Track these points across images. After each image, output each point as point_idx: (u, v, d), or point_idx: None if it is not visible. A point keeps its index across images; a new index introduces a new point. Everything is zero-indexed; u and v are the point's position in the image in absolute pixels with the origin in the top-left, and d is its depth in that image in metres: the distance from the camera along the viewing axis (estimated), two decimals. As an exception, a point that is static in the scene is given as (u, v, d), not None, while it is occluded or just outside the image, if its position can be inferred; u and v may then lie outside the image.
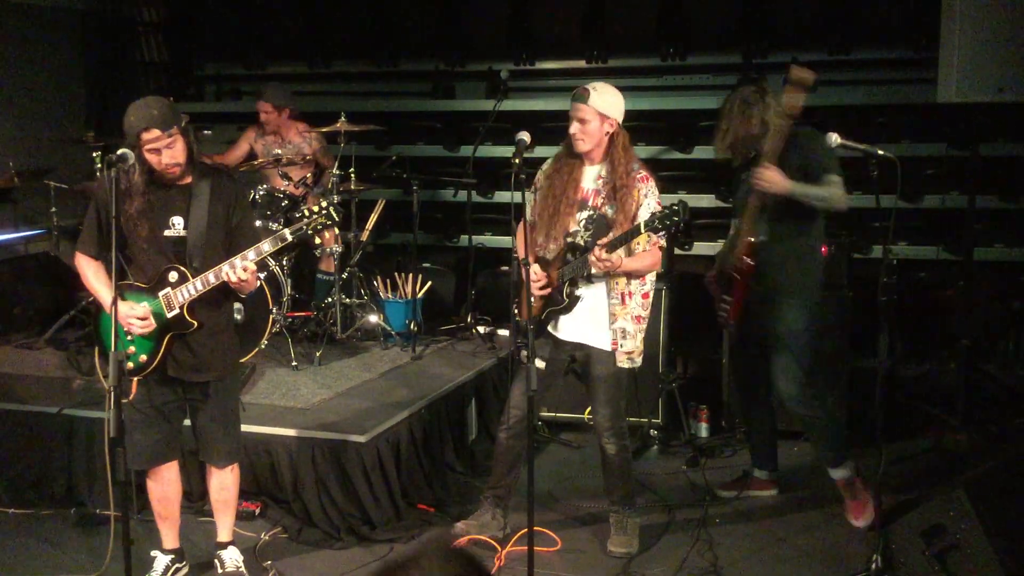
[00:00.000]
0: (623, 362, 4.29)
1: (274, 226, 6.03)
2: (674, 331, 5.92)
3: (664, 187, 7.04)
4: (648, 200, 4.17)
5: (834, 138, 3.93)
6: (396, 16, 8.22)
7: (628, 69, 7.65)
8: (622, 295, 4.23)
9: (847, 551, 4.39)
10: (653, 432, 5.83)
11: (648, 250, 4.17)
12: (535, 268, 4.25)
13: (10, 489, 5.10)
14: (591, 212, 4.24)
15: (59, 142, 7.30)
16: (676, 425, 5.86)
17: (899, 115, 6.84)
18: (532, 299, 4.21)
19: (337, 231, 6.32)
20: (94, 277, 3.90)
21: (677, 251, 6.76)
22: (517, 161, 3.88)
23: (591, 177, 4.27)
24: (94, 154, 6.42)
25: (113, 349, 3.36)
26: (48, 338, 6.37)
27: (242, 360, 5.77)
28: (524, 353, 4.27)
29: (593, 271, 4.16)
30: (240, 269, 3.71)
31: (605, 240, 4.05)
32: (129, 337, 3.83)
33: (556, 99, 7.65)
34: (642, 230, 3.93)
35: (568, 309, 4.27)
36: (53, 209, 6.98)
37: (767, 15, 7.32)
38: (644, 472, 5.40)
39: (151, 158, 3.71)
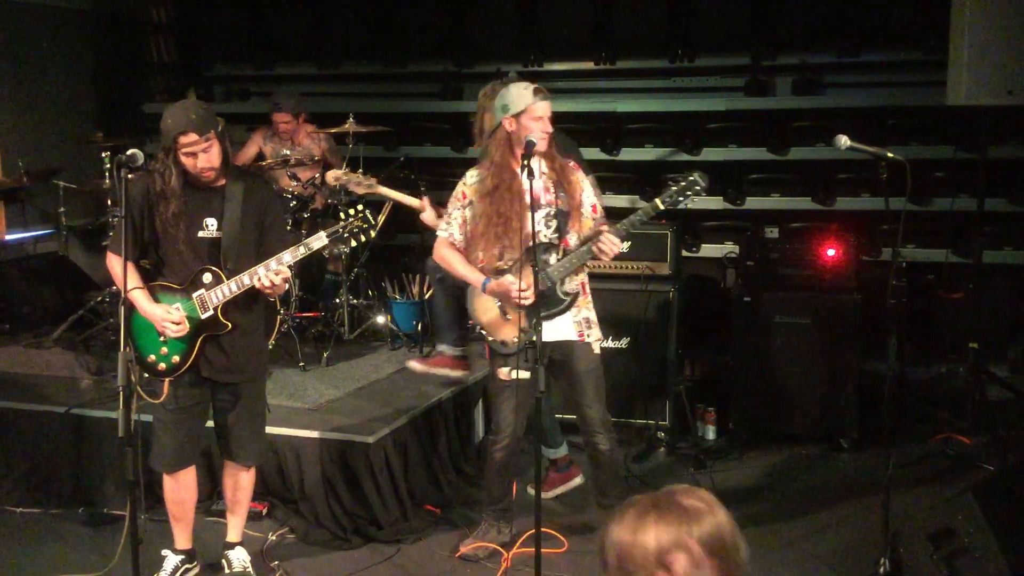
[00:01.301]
0: (598, 351, 4.31)
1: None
2: (682, 333, 5.91)
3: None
4: (586, 185, 4.26)
5: (843, 140, 3.92)
6: (404, 17, 8.23)
7: (636, 71, 7.65)
8: (582, 285, 4.27)
9: (855, 555, 4.37)
10: (660, 434, 5.82)
11: None
12: (509, 278, 4.08)
13: (18, 488, 5.12)
14: (548, 209, 4.16)
15: (68, 142, 7.32)
16: (683, 427, 5.84)
17: (908, 117, 6.82)
18: (507, 313, 4.15)
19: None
20: (131, 281, 3.88)
21: (685, 253, 6.74)
22: (527, 163, 3.88)
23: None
24: (103, 154, 6.43)
25: (122, 349, 3.37)
26: (56, 337, 6.39)
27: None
28: (506, 370, 4.22)
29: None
30: (274, 273, 3.73)
31: (613, 228, 4.04)
32: (162, 338, 3.83)
33: (564, 101, 7.61)
34: (660, 206, 3.98)
35: (568, 308, 4.19)
36: (62, 209, 7.01)
37: (776, 17, 7.30)
38: (650, 474, 5.39)
39: (187, 161, 3.73)
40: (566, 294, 4.19)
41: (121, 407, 3.27)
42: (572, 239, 4.18)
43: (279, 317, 5.82)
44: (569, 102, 7.52)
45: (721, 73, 7.41)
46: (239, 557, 4.24)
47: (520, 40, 7.90)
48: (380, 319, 6.52)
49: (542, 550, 3.80)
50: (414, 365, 5.55)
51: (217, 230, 3.85)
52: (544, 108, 4.07)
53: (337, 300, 6.41)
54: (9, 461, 5.20)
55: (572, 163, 4.27)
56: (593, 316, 4.31)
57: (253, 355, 4.02)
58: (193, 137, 3.68)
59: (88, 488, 5.05)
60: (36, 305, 6.99)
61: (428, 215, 5.05)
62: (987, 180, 5.82)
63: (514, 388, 4.22)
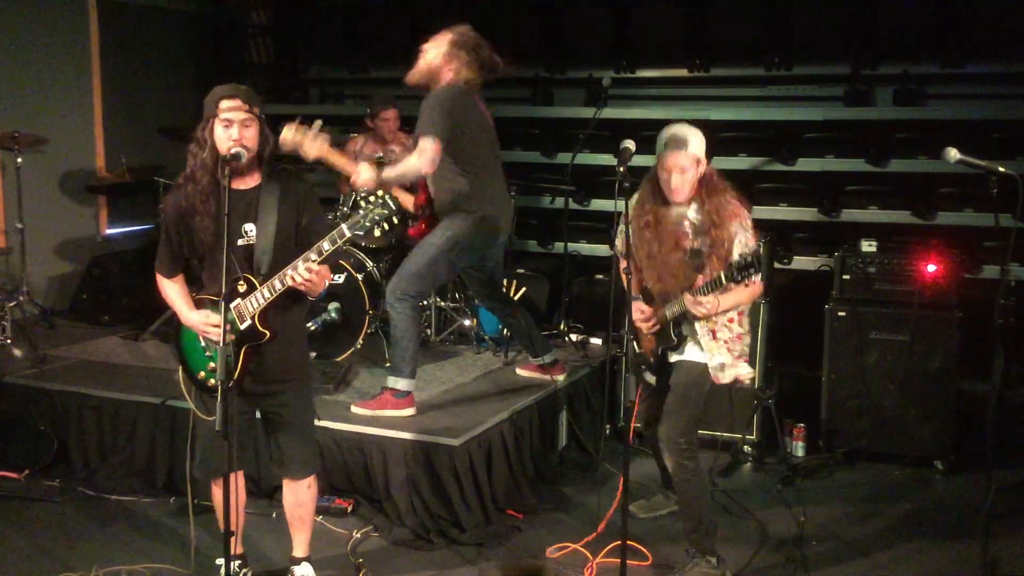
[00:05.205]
0: (722, 376, 4.21)
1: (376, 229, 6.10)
2: (772, 347, 5.80)
3: (766, 199, 7.02)
4: (739, 236, 4.09)
5: (953, 153, 3.80)
6: (496, 23, 8.25)
7: (731, 78, 7.55)
8: (712, 330, 4.20)
9: (950, 581, 4.25)
10: (747, 448, 5.72)
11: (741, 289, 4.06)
12: (642, 305, 4.29)
13: (114, 476, 5.27)
14: (682, 253, 4.17)
15: (168, 140, 7.51)
16: (771, 443, 5.74)
17: (1015, 131, 6.59)
18: (640, 336, 4.28)
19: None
20: (174, 295, 3.89)
21: (776, 265, 6.63)
22: (622, 169, 3.86)
23: (678, 217, 4.19)
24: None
25: (222, 343, 3.41)
26: (153, 330, 6.54)
27: (338, 359, 5.87)
28: (647, 375, 4.47)
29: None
30: (304, 271, 3.57)
31: (699, 283, 4.02)
32: (208, 353, 3.78)
33: (656, 107, 7.58)
34: (723, 281, 3.89)
35: (680, 348, 4.27)
36: (161, 205, 7.17)
37: (877, 25, 7.12)
38: (736, 489, 5.30)
39: (221, 133, 3.60)
40: (678, 336, 4.25)
41: (219, 401, 3.32)
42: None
43: (367, 317, 5.88)
44: (661, 109, 7.44)
45: (819, 82, 7.27)
46: (304, 573, 4.13)
47: (613, 46, 7.86)
48: (466, 322, 6.55)
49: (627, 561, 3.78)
50: (520, 372, 5.88)
51: (255, 236, 3.74)
52: (673, 157, 4.07)
53: (424, 302, 6.46)
54: (105, 450, 5.37)
55: (732, 205, 4.12)
56: (729, 359, 4.21)
57: (295, 363, 3.91)
58: (237, 102, 3.59)
59: (180, 479, 5.15)
60: (134, 298, 7.18)
61: (364, 175, 5.02)
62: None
63: (648, 389, 4.54)
